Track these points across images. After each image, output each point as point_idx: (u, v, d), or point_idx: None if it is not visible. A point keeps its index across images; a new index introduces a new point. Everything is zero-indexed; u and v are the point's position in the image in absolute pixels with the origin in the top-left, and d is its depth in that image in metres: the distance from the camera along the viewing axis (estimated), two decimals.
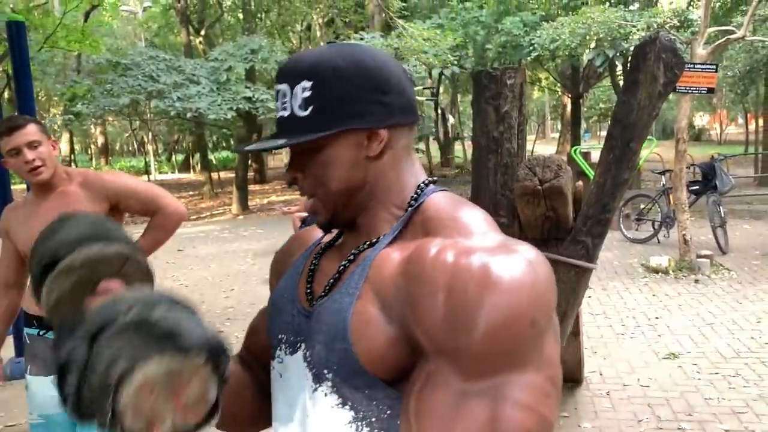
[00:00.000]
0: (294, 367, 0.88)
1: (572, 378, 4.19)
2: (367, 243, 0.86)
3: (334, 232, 0.97)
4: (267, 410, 1.06)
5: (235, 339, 5.25)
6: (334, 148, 0.85)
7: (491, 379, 0.69)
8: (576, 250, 2.11)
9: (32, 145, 2.27)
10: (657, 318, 5.64)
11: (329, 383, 0.82)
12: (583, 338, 4.31)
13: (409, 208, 0.86)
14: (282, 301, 0.95)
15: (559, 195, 1.92)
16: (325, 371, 0.82)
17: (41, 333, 2.40)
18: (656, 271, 7.19)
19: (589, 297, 6.33)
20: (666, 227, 8.77)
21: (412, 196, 0.87)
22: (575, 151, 10.15)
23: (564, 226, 2.10)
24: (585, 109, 24.51)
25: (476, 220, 0.80)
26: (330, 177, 0.85)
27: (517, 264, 0.71)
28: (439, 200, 0.85)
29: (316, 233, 1.03)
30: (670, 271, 7.11)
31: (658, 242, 8.76)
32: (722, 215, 8.11)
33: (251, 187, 18.20)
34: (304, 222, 4.31)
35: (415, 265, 0.75)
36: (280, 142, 0.84)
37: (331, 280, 0.87)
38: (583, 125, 23.13)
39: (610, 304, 6.14)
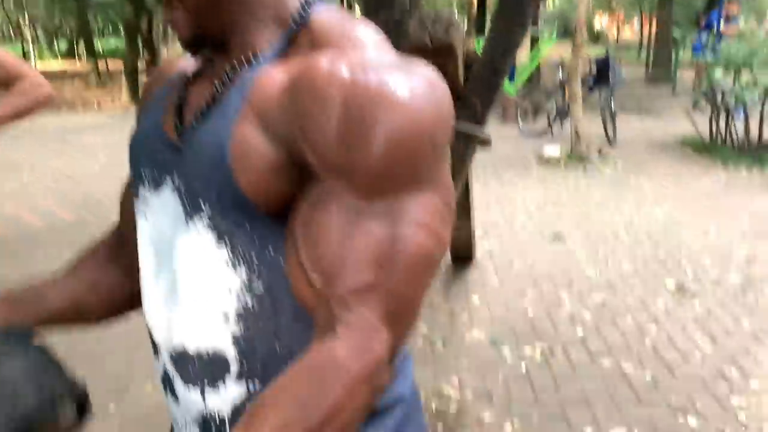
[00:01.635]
0: (159, 205, 0.79)
1: (463, 257, 4.33)
2: (244, 60, 0.76)
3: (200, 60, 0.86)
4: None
5: None
6: None
7: (389, 199, 0.65)
8: (465, 114, 2.07)
9: None
10: (546, 204, 5.89)
11: (205, 218, 0.73)
12: (475, 222, 4.43)
13: (293, 25, 0.76)
14: (145, 137, 0.83)
15: (450, 53, 1.85)
16: (201, 202, 0.73)
17: None
18: (549, 161, 7.45)
19: (484, 186, 6.49)
20: (560, 120, 9.05)
21: (298, 12, 0.77)
22: (479, 42, 10.12)
23: (453, 89, 2.04)
24: (489, 4, 24.37)
25: (370, 36, 0.73)
26: None
27: (417, 82, 0.66)
28: (328, 15, 0.76)
29: (181, 65, 0.91)
30: (562, 162, 7.38)
31: (552, 135, 9.05)
32: (613, 109, 8.43)
33: (144, 78, 17.12)
34: None
35: (305, 81, 0.67)
36: None
37: (205, 106, 0.76)
38: (489, 17, 23.05)
39: (503, 192, 6.33)
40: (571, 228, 5.18)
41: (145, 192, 0.82)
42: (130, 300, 1.00)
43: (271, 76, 0.72)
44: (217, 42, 0.78)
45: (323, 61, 0.67)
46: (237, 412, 0.77)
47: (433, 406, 2.75)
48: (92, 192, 6.54)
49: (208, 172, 0.72)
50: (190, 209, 0.75)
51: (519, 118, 9.44)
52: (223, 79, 0.76)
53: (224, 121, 0.72)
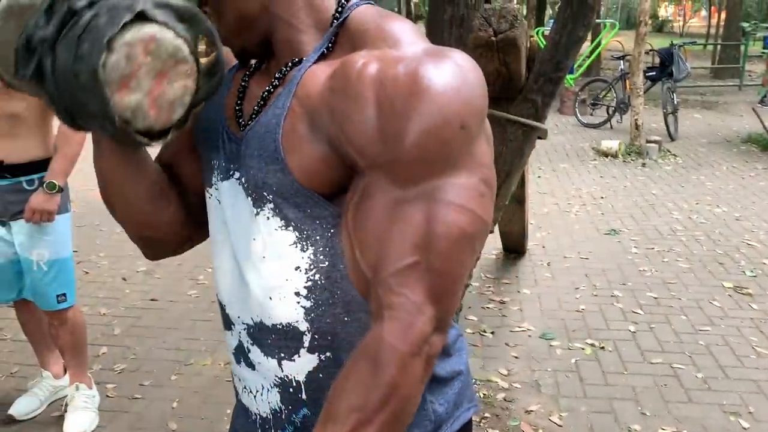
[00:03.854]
0: (230, 193, 0.86)
1: (515, 249, 4.34)
2: (291, 63, 0.82)
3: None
4: (190, 229, 0.99)
5: None
6: None
7: (424, 184, 0.69)
8: (525, 108, 2.08)
9: None
10: (602, 198, 5.81)
11: (270, 205, 0.80)
12: (529, 213, 4.42)
13: (332, 26, 0.81)
14: (210, 125, 0.90)
15: (513, 47, 1.87)
16: (265, 194, 0.80)
17: None
18: (606, 154, 7.32)
19: (539, 177, 6.45)
20: (620, 113, 8.87)
21: (334, 14, 0.82)
22: (538, 32, 9.99)
23: (516, 84, 2.06)
24: None
25: (405, 31, 0.76)
26: (225, 7, 0.82)
27: (444, 68, 0.69)
28: (364, 13, 0.81)
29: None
30: (620, 155, 7.25)
31: (611, 127, 8.87)
32: (675, 103, 8.21)
33: None
34: None
35: (341, 80, 0.72)
36: None
37: (260, 103, 0.83)
38: (548, 11, 22.65)
39: (558, 184, 6.27)
40: (626, 223, 5.11)
41: (216, 180, 0.89)
42: (182, 234, 0.99)
43: (315, 74, 0.77)
44: (263, 51, 0.85)
45: (357, 60, 0.72)
46: (311, 377, 0.85)
47: (482, 394, 2.80)
48: None
49: (266, 164, 0.79)
50: (256, 198, 0.81)
51: (577, 109, 9.29)
52: (273, 80, 0.83)
53: (275, 118, 0.78)
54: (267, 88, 0.83)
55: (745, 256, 4.42)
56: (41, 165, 2.33)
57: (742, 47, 13.46)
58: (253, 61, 0.91)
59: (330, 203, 0.78)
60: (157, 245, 0.99)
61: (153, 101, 0.71)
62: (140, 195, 0.91)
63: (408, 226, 0.69)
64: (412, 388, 0.70)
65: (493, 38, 1.87)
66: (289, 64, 0.82)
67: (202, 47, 0.75)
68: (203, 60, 0.75)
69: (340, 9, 0.82)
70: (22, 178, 2.31)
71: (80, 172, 6.37)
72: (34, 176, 2.32)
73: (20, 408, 2.58)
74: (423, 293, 0.69)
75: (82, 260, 4.19)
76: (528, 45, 2.06)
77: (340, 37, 0.80)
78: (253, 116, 0.83)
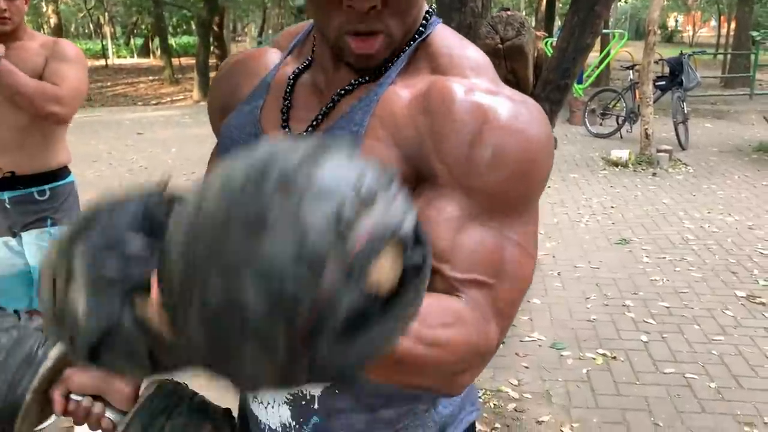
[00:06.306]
0: None
1: None
2: (368, 77, 0.80)
3: (289, 61, 0.90)
4: None
5: None
6: None
7: (501, 217, 0.73)
8: None
9: None
10: (612, 207, 5.78)
11: None
12: (539, 224, 4.39)
13: (416, 38, 0.80)
14: (242, 137, 0.87)
15: (520, 55, 1.87)
16: None
17: None
18: (616, 164, 7.30)
19: (548, 187, 6.41)
20: (629, 122, 8.84)
21: (420, 27, 0.80)
22: (546, 43, 10.00)
23: (523, 91, 2.05)
24: (560, 4, 23.95)
25: (485, 62, 0.80)
26: (414, 3, 0.77)
27: (539, 119, 0.75)
28: (446, 35, 0.81)
29: (265, 61, 0.93)
30: (630, 164, 7.22)
31: (621, 137, 8.85)
32: (685, 112, 8.18)
33: (213, 74, 17.62)
34: None
35: (441, 105, 0.74)
36: None
37: (324, 110, 0.81)
38: (557, 22, 22.70)
39: (567, 194, 6.25)
40: (637, 232, 5.08)
41: None
42: None
43: (397, 94, 0.78)
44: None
45: (455, 87, 0.74)
46: (327, 390, 0.84)
47: (492, 404, 2.78)
48: None
49: None
50: None
51: (586, 119, 9.27)
52: (340, 90, 0.81)
53: (352, 134, 0.77)
54: (335, 95, 0.81)
55: (757, 265, 4.37)
56: (52, 176, 2.35)
57: (753, 56, 13.41)
58: (289, 68, 0.89)
59: None
60: None
61: None
62: None
63: (481, 245, 0.71)
64: (456, 365, 0.68)
65: (500, 45, 1.87)
66: (365, 77, 0.81)
67: None
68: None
69: (424, 23, 0.81)
70: (34, 189, 2.33)
71: (92, 185, 6.45)
72: (46, 187, 2.34)
73: None
74: (492, 312, 0.71)
75: None
76: (536, 53, 2.06)
77: (419, 54, 0.80)
78: (314, 123, 0.81)
